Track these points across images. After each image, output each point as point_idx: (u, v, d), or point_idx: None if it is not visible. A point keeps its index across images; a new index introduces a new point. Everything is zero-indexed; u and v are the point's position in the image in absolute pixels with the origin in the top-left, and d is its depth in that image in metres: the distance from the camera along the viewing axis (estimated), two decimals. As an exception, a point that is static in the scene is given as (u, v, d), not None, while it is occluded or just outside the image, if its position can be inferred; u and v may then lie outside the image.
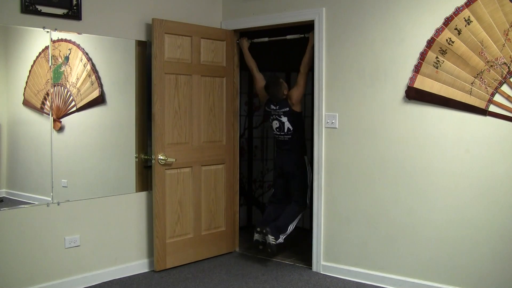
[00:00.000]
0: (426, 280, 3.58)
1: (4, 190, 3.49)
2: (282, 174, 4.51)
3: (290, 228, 4.36)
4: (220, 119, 4.49)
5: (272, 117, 4.49)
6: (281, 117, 4.40)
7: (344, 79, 3.91)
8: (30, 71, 3.51)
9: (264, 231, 4.22)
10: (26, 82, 3.51)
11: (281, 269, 4.20)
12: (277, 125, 4.44)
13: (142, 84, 4.07)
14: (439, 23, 3.42)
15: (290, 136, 4.41)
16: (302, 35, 4.28)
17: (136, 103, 4.06)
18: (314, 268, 4.13)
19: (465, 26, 3.32)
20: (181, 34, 4.13)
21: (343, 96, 3.92)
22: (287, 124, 4.38)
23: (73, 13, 3.63)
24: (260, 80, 4.61)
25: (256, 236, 4.33)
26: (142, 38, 4.05)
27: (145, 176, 4.12)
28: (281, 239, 4.28)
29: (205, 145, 4.37)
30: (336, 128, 3.97)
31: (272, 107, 4.45)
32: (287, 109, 4.37)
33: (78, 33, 3.69)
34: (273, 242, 4.19)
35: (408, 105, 3.61)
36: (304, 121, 4.58)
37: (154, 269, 4.08)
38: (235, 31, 4.57)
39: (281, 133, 4.45)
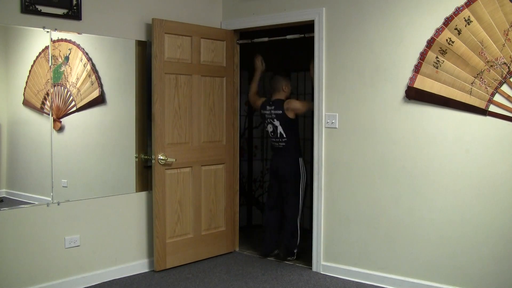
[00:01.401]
0: (426, 280, 3.58)
1: (4, 190, 3.49)
2: (276, 177, 4.50)
3: (298, 236, 4.42)
4: (220, 119, 4.49)
5: (267, 121, 4.51)
6: (274, 121, 4.41)
7: (344, 79, 3.91)
8: (30, 71, 3.51)
9: (280, 254, 4.45)
10: (26, 82, 3.51)
11: (281, 269, 4.20)
12: (271, 129, 4.46)
13: (142, 84, 4.07)
14: (439, 23, 3.42)
15: (284, 144, 4.40)
16: (302, 35, 4.28)
17: (136, 103, 4.06)
18: (314, 268, 4.13)
19: (465, 26, 3.32)
20: (181, 34, 4.13)
21: (343, 96, 3.92)
22: (280, 129, 4.38)
23: (73, 13, 3.63)
24: (254, 88, 4.75)
25: (273, 258, 4.48)
26: (142, 38, 4.05)
27: (145, 176, 4.12)
28: (295, 250, 4.41)
29: (205, 145, 4.37)
30: (336, 128, 3.97)
31: (268, 107, 4.47)
32: (280, 112, 4.36)
33: (78, 33, 3.69)
34: (292, 258, 4.41)
35: (408, 105, 3.61)
36: (297, 126, 4.53)
37: (154, 269, 4.09)
38: (235, 31, 4.57)
39: (276, 139, 4.45)
